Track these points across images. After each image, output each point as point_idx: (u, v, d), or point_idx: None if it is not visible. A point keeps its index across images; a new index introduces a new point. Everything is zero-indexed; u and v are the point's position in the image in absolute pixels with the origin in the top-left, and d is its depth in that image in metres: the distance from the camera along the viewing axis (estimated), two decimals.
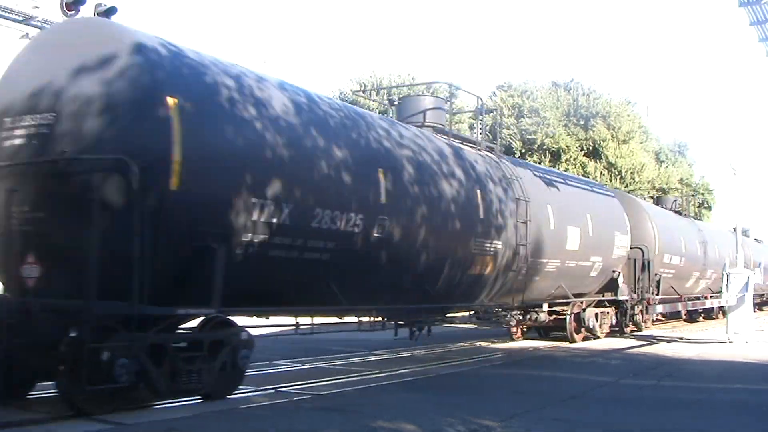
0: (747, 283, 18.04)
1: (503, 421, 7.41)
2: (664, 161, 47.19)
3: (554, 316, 16.91)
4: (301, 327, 10.00)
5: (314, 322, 10.30)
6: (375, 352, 14.23)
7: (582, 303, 17.44)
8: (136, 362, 7.33)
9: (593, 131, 38.99)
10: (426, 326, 12.59)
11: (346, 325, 11.28)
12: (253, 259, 8.60)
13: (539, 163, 31.61)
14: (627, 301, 19.24)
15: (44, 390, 8.19)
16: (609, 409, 8.73)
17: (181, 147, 7.62)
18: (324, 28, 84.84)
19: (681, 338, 19.85)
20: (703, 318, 29.06)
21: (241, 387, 9.76)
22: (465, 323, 16.80)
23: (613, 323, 19.20)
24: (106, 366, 7.10)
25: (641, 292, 20.08)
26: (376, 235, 10.16)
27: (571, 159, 38.08)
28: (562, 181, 17.24)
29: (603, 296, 18.53)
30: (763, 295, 34.64)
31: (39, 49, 8.68)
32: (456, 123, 38.33)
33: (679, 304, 23.18)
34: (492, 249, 12.95)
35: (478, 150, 14.15)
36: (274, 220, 8.66)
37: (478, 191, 12.78)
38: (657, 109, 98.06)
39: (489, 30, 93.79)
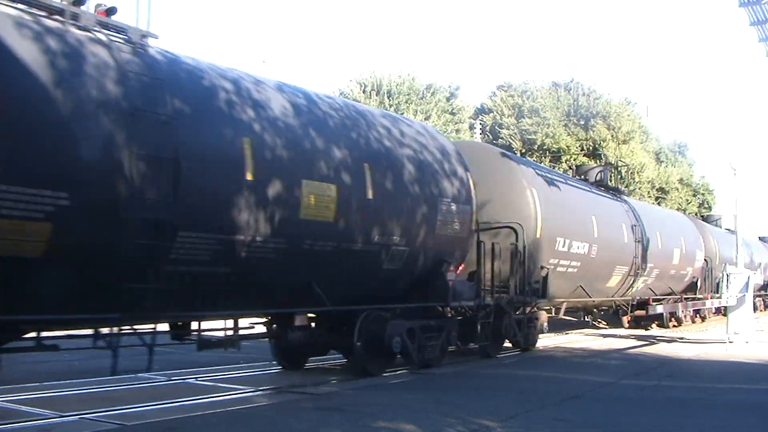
0: (747, 283, 18.03)
1: (503, 421, 7.40)
2: (664, 161, 47.23)
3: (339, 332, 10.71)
4: None
5: None
6: None
7: (388, 313, 10.91)
8: None
9: (593, 131, 39.04)
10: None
11: None
12: None
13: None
14: (471, 309, 12.68)
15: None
16: (609, 409, 8.72)
17: None
18: (324, 28, 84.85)
19: (681, 338, 19.83)
20: (656, 325, 22.94)
21: (240, 387, 9.81)
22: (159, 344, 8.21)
23: (452, 343, 12.41)
24: None
25: (513, 293, 13.65)
26: None
27: (572, 159, 38.11)
28: (309, 100, 9.82)
29: (427, 303, 11.55)
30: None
31: None
32: (456, 123, 38.48)
33: (679, 305, 22.87)
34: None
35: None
36: None
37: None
38: (657, 109, 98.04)
39: (489, 30, 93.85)
